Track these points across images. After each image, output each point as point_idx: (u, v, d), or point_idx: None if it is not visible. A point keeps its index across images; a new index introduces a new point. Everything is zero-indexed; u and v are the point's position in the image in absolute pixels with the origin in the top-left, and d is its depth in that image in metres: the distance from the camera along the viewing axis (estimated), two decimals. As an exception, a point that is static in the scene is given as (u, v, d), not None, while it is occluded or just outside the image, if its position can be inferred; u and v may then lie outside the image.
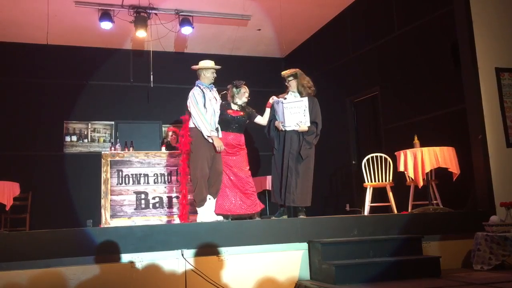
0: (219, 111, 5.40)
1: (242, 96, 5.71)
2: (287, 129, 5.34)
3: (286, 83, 5.57)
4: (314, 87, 5.60)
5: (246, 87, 5.77)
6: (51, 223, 7.25)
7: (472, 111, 5.50)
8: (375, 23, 7.75)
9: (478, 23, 5.56)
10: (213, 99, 5.31)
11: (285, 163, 5.33)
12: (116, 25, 8.12)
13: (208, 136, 5.16)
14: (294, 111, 5.30)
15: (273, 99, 5.62)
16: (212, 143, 5.20)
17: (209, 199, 5.27)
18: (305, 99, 5.35)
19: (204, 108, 5.17)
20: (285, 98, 5.47)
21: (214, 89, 5.42)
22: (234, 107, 5.73)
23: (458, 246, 4.82)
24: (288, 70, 5.63)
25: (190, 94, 5.26)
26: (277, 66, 10.67)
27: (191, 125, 5.28)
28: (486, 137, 5.34)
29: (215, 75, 5.39)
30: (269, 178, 5.92)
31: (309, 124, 5.31)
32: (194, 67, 5.41)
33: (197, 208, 5.27)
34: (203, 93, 5.23)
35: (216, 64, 5.43)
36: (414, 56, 6.82)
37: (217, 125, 5.38)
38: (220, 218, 5.26)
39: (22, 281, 3.68)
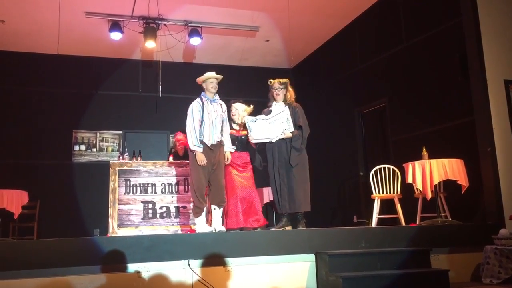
0: (221, 124, 5.38)
1: (232, 116, 5.81)
2: (273, 140, 5.35)
3: (274, 91, 5.48)
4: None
5: (234, 106, 5.82)
6: (59, 232, 7.27)
7: (481, 123, 5.48)
8: (383, 35, 7.76)
9: (487, 35, 5.56)
10: (214, 112, 5.32)
11: (276, 172, 5.35)
12: (126, 36, 8.20)
13: (192, 150, 5.21)
14: (278, 122, 5.31)
15: (247, 119, 5.52)
16: (211, 155, 5.24)
17: (214, 209, 5.31)
18: (286, 109, 5.35)
19: (197, 121, 5.22)
20: (270, 110, 5.45)
21: (219, 102, 5.45)
22: (235, 126, 5.82)
23: (467, 259, 4.78)
24: (279, 79, 5.55)
25: (191, 105, 5.34)
26: (285, 77, 10.67)
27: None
28: (495, 149, 5.32)
29: (216, 85, 5.38)
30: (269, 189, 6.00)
31: (292, 129, 5.30)
32: (197, 80, 5.48)
33: (194, 219, 5.34)
34: (203, 105, 5.28)
35: (224, 74, 5.46)
36: (423, 68, 6.82)
37: (222, 138, 5.39)
38: (223, 229, 5.27)
39: (30, 290, 3.70)
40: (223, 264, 4.18)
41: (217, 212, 5.30)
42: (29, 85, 9.20)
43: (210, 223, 5.52)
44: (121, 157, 7.82)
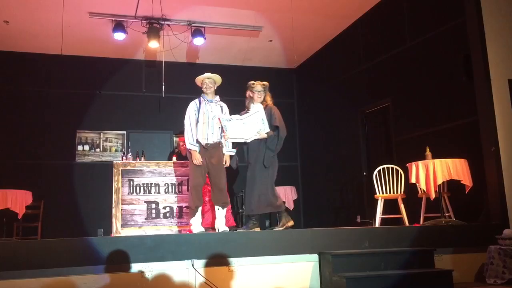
0: (218, 124, 5.34)
1: None
2: (248, 140, 5.36)
3: (257, 93, 5.42)
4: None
5: None
6: (63, 232, 7.30)
7: (485, 123, 5.47)
8: (387, 35, 7.74)
9: (491, 34, 5.54)
10: (210, 112, 5.31)
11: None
12: (129, 36, 8.21)
13: (188, 148, 5.29)
14: (253, 123, 5.30)
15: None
16: (206, 155, 5.25)
17: (218, 209, 5.35)
18: (261, 109, 5.34)
19: (193, 121, 5.27)
20: (248, 111, 5.44)
21: (218, 103, 5.43)
22: None
23: (471, 259, 4.76)
24: (259, 81, 5.50)
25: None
26: (288, 77, 10.73)
27: None
28: (499, 149, 5.30)
29: (209, 85, 5.36)
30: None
31: (268, 130, 5.30)
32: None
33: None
34: (199, 105, 5.32)
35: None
36: (426, 68, 6.80)
37: (220, 140, 5.34)
38: (226, 229, 5.28)
39: (33, 290, 3.71)
40: (227, 264, 4.19)
41: (220, 212, 5.31)
42: (33, 85, 9.23)
43: (213, 223, 5.55)
44: (124, 157, 7.82)
